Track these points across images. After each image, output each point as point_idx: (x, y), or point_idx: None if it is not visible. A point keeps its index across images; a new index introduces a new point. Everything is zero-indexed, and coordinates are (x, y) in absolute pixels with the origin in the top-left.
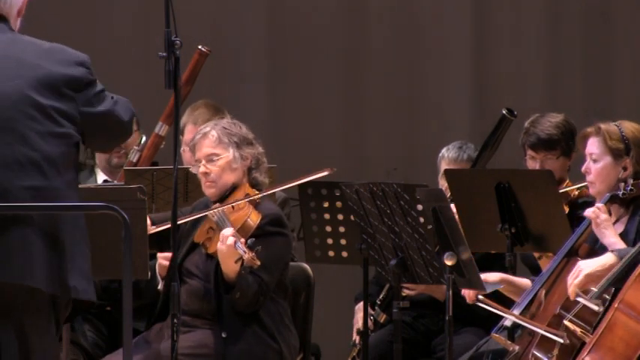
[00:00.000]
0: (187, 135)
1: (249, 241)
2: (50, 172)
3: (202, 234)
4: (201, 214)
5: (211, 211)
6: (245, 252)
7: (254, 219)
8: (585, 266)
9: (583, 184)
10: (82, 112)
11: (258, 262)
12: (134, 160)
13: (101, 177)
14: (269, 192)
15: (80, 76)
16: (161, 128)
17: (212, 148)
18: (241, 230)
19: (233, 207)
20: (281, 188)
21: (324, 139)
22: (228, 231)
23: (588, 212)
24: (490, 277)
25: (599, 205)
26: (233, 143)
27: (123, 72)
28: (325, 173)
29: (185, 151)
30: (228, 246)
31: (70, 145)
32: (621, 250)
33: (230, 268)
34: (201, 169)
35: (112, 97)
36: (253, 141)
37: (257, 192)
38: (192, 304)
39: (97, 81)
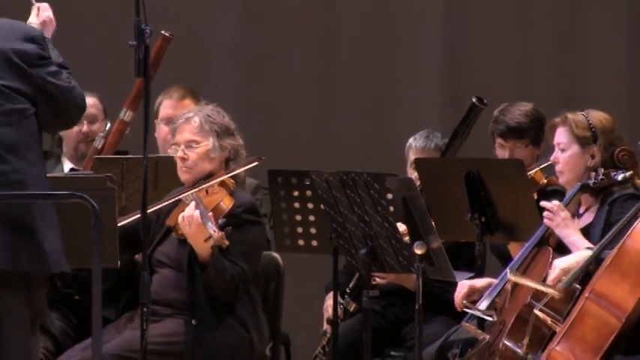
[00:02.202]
0: (163, 110)
1: (220, 222)
2: (8, 155)
3: (175, 217)
4: (175, 198)
5: (185, 194)
6: (215, 231)
7: (227, 203)
8: (560, 263)
9: (547, 164)
10: (35, 86)
11: (227, 242)
12: (99, 147)
13: (68, 165)
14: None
15: (31, 51)
16: (126, 114)
17: (193, 134)
18: (214, 213)
19: (207, 191)
20: (204, 186)
21: (295, 128)
22: (191, 210)
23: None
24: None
25: (555, 203)
26: (214, 132)
27: (88, 59)
28: (255, 164)
29: (160, 126)
30: (196, 224)
31: (27, 122)
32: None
33: (201, 246)
34: (179, 153)
35: (70, 81)
36: (234, 132)
37: (233, 181)
38: (163, 293)
39: (52, 59)
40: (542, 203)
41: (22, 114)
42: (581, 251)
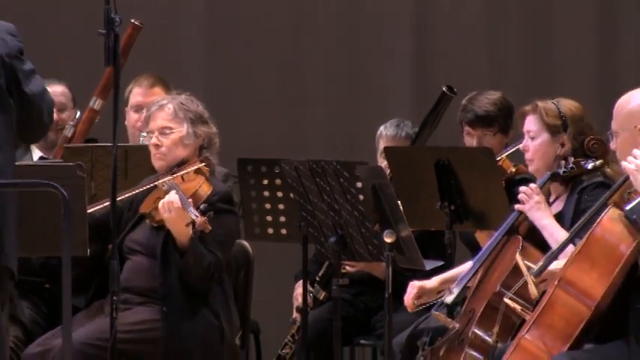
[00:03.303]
0: (133, 98)
1: (201, 207)
2: None
3: (150, 204)
4: (150, 185)
5: (161, 181)
6: (197, 216)
7: (205, 189)
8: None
9: (514, 149)
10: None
11: (210, 227)
12: (68, 136)
13: (37, 154)
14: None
15: (12, 43)
16: (95, 102)
17: (167, 121)
18: (193, 199)
19: (183, 178)
20: (180, 173)
21: (264, 117)
22: (172, 196)
23: (518, 204)
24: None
25: (531, 186)
26: (188, 119)
27: (57, 47)
28: (201, 165)
29: (130, 113)
30: (176, 209)
31: (9, 120)
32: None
33: (182, 232)
34: (153, 140)
35: (44, 86)
36: (208, 120)
37: (208, 168)
38: (134, 281)
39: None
40: (521, 188)
41: (9, 112)
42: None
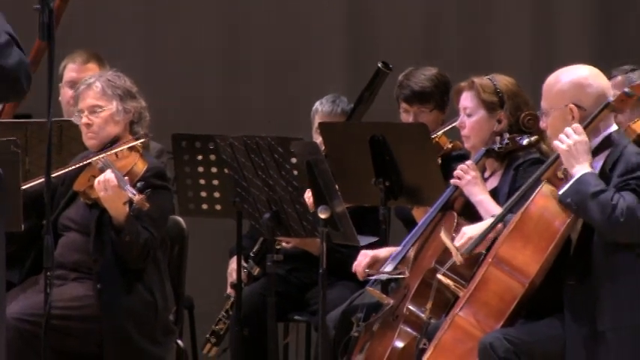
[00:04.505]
0: (67, 74)
1: (138, 184)
2: None
3: (84, 182)
4: (84, 163)
5: (95, 158)
6: (134, 194)
7: (140, 166)
8: (469, 231)
9: (451, 126)
10: None
11: (148, 205)
12: None
13: None
14: (128, 145)
15: None
16: None
17: (95, 99)
18: (129, 176)
19: (117, 155)
20: (114, 151)
21: (199, 92)
22: (108, 174)
23: (454, 179)
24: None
25: (467, 163)
26: (117, 96)
27: None
28: (142, 140)
29: (64, 89)
30: (113, 188)
31: None
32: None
33: (119, 210)
34: (84, 119)
35: (20, 56)
36: (137, 94)
37: (141, 144)
38: (69, 256)
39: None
40: (458, 167)
41: None
42: (490, 219)
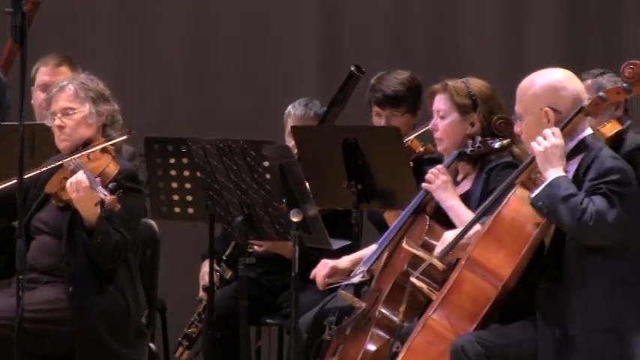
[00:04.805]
0: (39, 77)
1: (110, 185)
2: None
3: (55, 184)
4: (56, 164)
5: (67, 160)
6: (106, 195)
7: (112, 168)
8: (449, 235)
9: (424, 130)
10: None
11: (119, 206)
12: None
13: None
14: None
15: None
16: None
17: (68, 102)
18: (101, 178)
19: (89, 157)
20: (86, 152)
21: (171, 95)
22: (80, 175)
23: (425, 183)
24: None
25: (438, 167)
26: (89, 98)
27: None
28: (125, 137)
29: (37, 93)
30: (84, 189)
31: None
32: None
33: (90, 211)
34: (57, 122)
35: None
36: (109, 98)
37: (113, 147)
38: (41, 260)
39: None
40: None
41: None
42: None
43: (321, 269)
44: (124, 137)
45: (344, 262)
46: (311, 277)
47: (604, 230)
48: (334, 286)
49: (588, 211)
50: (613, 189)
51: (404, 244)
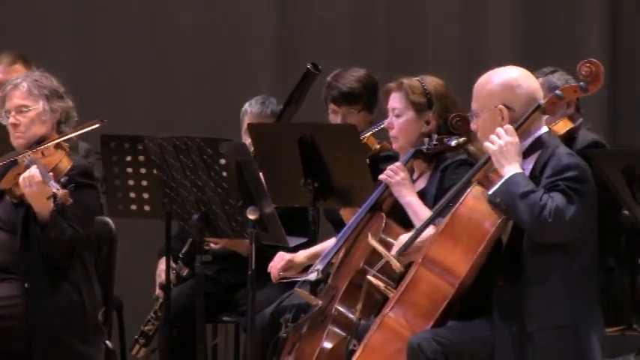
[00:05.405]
0: None
1: (62, 179)
2: None
3: (9, 180)
4: (10, 160)
5: (20, 156)
6: (58, 189)
7: (65, 163)
8: (404, 238)
9: (379, 127)
10: None
11: (71, 200)
12: None
13: None
14: (68, 136)
15: None
16: None
17: (22, 99)
18: (54, 173)
19: (43, 153)
20: (40, 148)
21: (131, 92)
22: (32, 170)
23: (384, 175)
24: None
25: (397, 164)
26: (43, 96)
27: None
28: (97, 125)
29: None
30: (37, 183)
31: None
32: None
33: (43, 206)
34: (11, 119)
35: None
36: (64, 95)
37: (67, 143)
38: None
39: None
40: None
41: None
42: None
43: (277, 262)
44: (97, 125)
45: (300, 256)
46: (268, 269)
47: (562, 227)
48: (287, 280)
49: (547, 208)
50: (571, 185)
51: (368, 239)
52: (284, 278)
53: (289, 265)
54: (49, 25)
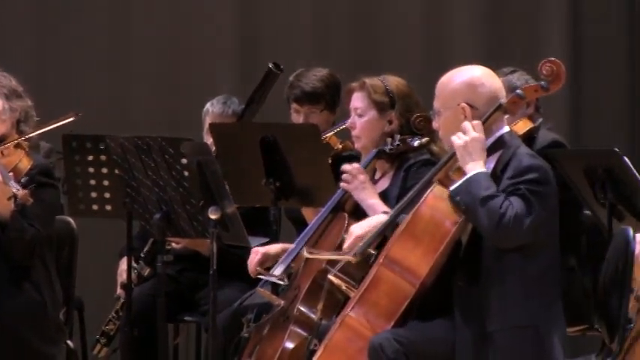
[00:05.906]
0: None
1: (22, 180)
2: None
3: None
4: None
5: None
6: (18, 189)
7: (25, 163)
8: (356, 229)
9: (341, 127)
10: None
11: (31, 200)
12: None
13: None
14: (29, 135)
15: None
16: None
17: None
18: (14, 173)
19: (3, 152)
20: (35, 134)
21: (92, 92)
22: None
23: (342, 182)
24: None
25: (354, 166)
26: (2, 95)
27: None
28: (71, 119)
29: None
30: None
31: None
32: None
33: (3, 206)
34: None
35: None
36: (22, 94)
37: (27, 142)
38: None
39: None
40: (343, 167)
41: None
42: (377, 216)
43: (253, 257)
44: (71, 119)
45: (275, 248)
46: (248, 268)
47: (521, 233)
48: (263, 279)
49: (507, 216)
50: (531, 188)
51: (304, 253)
52: (260, 273)
53: (265, 259)
54: (10, 25)
